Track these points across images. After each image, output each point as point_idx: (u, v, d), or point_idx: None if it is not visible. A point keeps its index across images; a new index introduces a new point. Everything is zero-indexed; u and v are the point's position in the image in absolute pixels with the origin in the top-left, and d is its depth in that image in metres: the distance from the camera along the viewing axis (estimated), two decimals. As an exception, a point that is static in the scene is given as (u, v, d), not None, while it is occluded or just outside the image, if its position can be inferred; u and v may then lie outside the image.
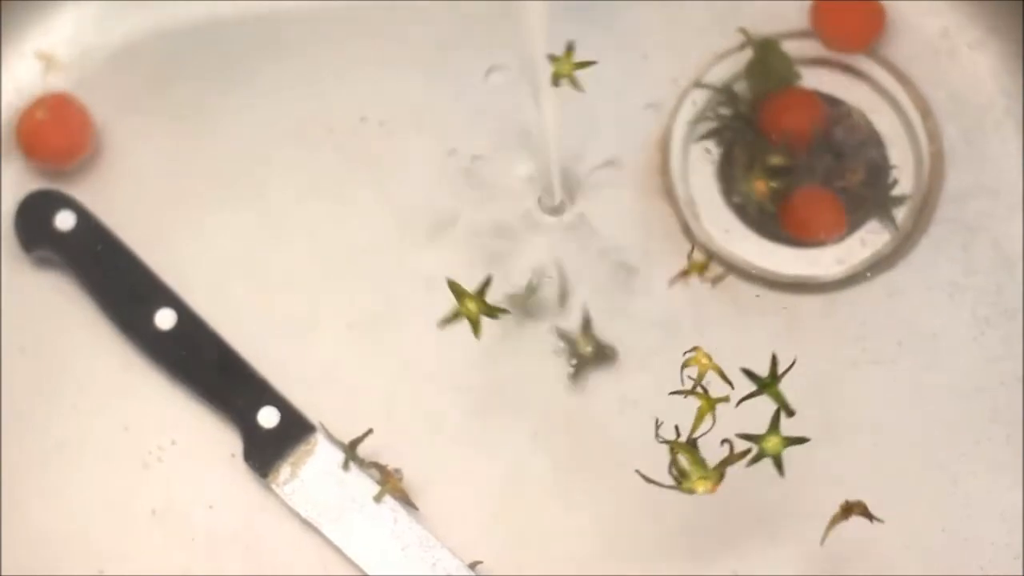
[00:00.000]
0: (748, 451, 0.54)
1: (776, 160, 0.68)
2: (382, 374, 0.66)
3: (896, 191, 0.68)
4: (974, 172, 0.69)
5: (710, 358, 0.55)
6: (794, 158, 0.68)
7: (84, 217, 0.68)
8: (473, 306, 0.58)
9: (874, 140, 0.69)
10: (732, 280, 0.68)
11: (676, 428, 0.54)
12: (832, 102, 0.70)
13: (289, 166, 0.70)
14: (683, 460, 0.54)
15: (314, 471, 0.64)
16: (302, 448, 0.65)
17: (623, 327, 0.67)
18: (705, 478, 0.54)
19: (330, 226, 0.69)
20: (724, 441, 0.54)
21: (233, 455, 0.65)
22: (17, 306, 0.68)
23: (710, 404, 0.54)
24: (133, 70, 0.72)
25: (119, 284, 0.67)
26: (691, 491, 0.54)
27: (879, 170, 0.69)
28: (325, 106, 0.71)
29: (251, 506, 0.65)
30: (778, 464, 0.54)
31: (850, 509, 0.58)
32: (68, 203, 0.68)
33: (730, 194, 0.69)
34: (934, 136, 0.69)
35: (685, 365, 0.55)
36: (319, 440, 0.65)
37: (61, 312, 0.68)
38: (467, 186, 0.69)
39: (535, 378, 0.66)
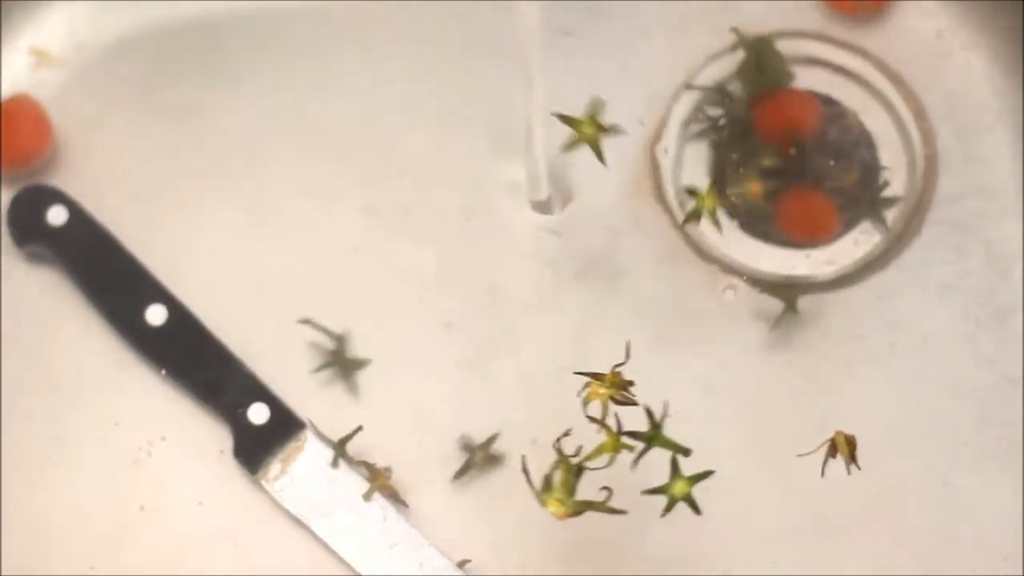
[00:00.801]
0: (615, 510, 0.52)
1: (769, 160, 0.67)
2: (372, 372, 0.66)
3: (888, 192, 0.68)
4: (967, 174, 0.68)
5: (610, 385, 0.53)
6: (787, 159, 0.68)
7: (76, 212, 0.68)
8: (590, 129, 0.56)
9: (867, 141, 0.69)
10: (725, 280, 0.67)
11: (578, 448, 0.53)
12: (826, 102, 0.70)
13: (282, 163, 0.70)
14: (557, 476, 0.53)
15: (304, 468, 0.64)
16: (292, 445, 0.65)
17: (613, 328, 0.66)
18: (561, 503, 0.52)
19: (322, 224, 0.69)
20: (604, 488, 0.52)
21: (223, 451, 0.65)
22: (9, 301, 0.68)
23: (615, 445, 0.52)
24: (128, 66, 0.72)
25: (110, 280, 0.67)
26: (542, 505, 0.53)
27: (872, 171, 0.69)
28: (322, 105, 0.71)
29: (240, 503, 0.65)
30: (692, 505, 0.53)
31: (842, 443, 0.55)
32: (60, 198, 0.68)
33: (723, 194, 0.69)
34: (928, 137, 0.69)
35: (586, 401, 0.53)
36: (309, 437, 0.65)
37: (53, 307, 0.67)
38: (461, 185, 0.69)
39: (527, 375, 0.66)
